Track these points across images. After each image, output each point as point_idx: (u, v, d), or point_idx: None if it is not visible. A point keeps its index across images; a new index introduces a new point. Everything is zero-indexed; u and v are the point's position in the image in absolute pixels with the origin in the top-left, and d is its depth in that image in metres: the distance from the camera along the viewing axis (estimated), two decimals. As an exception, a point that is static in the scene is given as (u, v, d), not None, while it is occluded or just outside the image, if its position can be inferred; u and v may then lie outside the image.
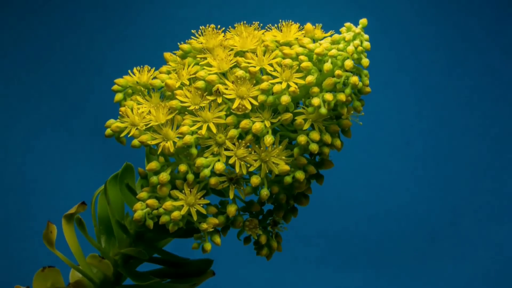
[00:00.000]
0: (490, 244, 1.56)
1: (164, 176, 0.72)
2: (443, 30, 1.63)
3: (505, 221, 1.58)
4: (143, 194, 0.73)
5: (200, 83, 0.73)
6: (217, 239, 0.74)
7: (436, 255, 1.56)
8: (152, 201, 0.72)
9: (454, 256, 1.56)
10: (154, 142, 0.73)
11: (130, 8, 1.60)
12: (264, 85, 0.71)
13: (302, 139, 0.71)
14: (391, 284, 1.55)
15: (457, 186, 1.59)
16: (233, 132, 0.71)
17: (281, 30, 0.76)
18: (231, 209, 0.73)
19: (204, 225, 0.73)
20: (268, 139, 0.71)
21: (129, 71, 0.79)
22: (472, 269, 1.55)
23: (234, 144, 0.71)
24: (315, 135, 0.71)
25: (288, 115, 0.72)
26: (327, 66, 0.71)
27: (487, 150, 1.61)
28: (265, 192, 0.72)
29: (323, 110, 0.71)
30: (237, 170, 0.71)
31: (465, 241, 1.56)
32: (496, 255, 1.56)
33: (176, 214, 0.71)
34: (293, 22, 0.77)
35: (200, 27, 0.79)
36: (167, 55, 0.80)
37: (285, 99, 0.71)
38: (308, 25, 0.76)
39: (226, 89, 0.72)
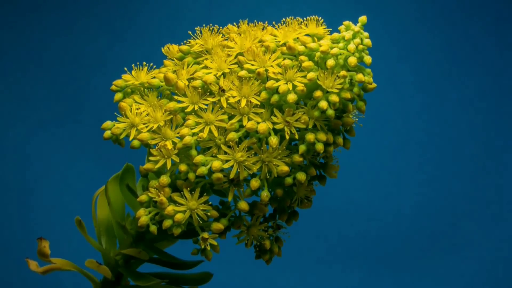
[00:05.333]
0: (490, 244, 1.56)
1: (165, 179, 0.72)
2: (444, 28, 1.63)
3: (505, 221, 1.58)
4: (143, 197, 0.73)
5: (197, 82, 0.73)
6: (217, 248, 0.73)
7: (437, 255, 1.56)
8: (163, 198, 0.72)
9: (455, 256, 1.56)
10: (153, 142, 0.73)
11: (130, 8, 1.60)
12: (269, 83, 0.71)
13: (310, 137, 0.71)
14: (392, 284, 1.55)
15: (458, 186, 1.59)
16: (232, 135, 0.71)
17: (280, 28, 0.76)
18: (243, 205, 0.73)
19: (205, 235, 0.72)
20: (274, 140, 0.70)
21: (126, 69, 0.79)
22: (472, 269, 1.55)
23: (231, 147, 0.71)
24: (321, 135, 0.71)
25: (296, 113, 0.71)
26: (331, 62, 0.71)
27: (488, 149, 1.61)
28: (265, 194, 0.72)
29: (331, 112, 0.70)
30: (232, 175, 0.70)
31: (465, 241, 1.56)
32: (496, 255, 1.56)
33: (179, 216, 0.71)
34: (293, 18, 0.77)
35: (196, 28, 0.78)
36: (173, 50, 0.79)
37: (292, 97, 0.70)
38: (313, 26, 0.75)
39: (230, 89, 0.72)
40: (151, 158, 0.72)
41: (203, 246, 0.72)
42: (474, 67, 1.62)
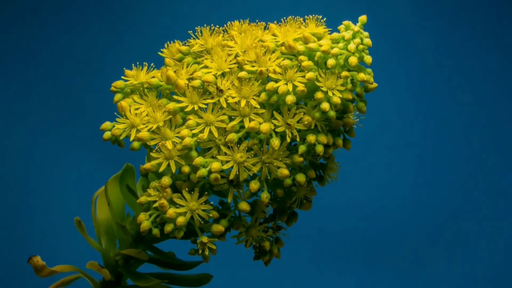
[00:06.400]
0: (491, 244, 1.56)
1: (166, 180, 0.72)
2: (442, 30, 1.63)
3: (505, 221, 1.57)
4: (143, 198, 0.73)
5: (196, 82, 0.73)
6: (214, 250, 0.73)
7: (436, 255, 1.56)
8: (164, 201, 0.71)
9: (454, 256, 1.55)
10: (153, 143, 0.72)
11: (130, 8, 1.60)
12: (269, 85, 0.70)
13: (311, 138, 0.70)
14: (391, 284, 1.55)
15: (457, 186, 1.59)
16: (231, 136, 0.70)
17: (280, 28, 0.76)
18: (244, 206, 0.72)
19: (204, 239, 0.72)
20: (275, 142, 0.70)
21: (125, 69, 0.79)
22: (472, 269, 1.55)
23: (231, 148, 0.70)
24: (322, 137, 0.71)
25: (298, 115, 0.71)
26: (331, 61, 0.70)
27: (487, 149, 1.61)
28: (265, 195, 0.72)
29: (332, 113, 0.70)
30: (232, 176, 0.70)
31: (465, 241, 1.56)
32: (496, 255, 1.56)
33: (181, 219, 0.71)
34: (293, 18, 0.76)
35: (196, 28, 0.78)
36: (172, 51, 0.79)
37: (290, 98, 0.70)
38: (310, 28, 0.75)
39: (229, 89, 0.72)
40: (153, 162, 0.72)
41: (200, 251, 0.72)
42: (473, 68, 1.62)
